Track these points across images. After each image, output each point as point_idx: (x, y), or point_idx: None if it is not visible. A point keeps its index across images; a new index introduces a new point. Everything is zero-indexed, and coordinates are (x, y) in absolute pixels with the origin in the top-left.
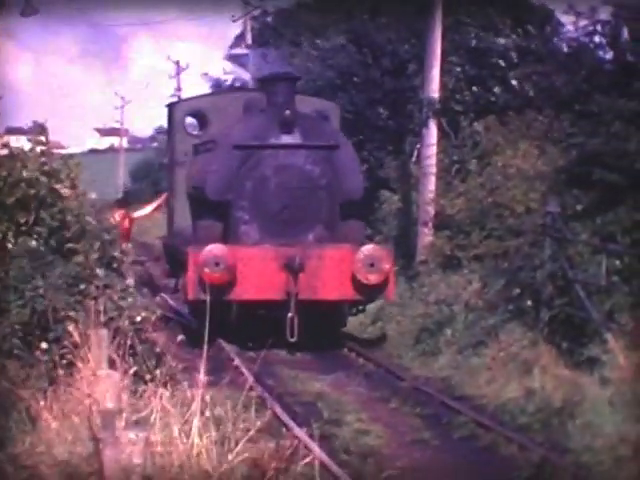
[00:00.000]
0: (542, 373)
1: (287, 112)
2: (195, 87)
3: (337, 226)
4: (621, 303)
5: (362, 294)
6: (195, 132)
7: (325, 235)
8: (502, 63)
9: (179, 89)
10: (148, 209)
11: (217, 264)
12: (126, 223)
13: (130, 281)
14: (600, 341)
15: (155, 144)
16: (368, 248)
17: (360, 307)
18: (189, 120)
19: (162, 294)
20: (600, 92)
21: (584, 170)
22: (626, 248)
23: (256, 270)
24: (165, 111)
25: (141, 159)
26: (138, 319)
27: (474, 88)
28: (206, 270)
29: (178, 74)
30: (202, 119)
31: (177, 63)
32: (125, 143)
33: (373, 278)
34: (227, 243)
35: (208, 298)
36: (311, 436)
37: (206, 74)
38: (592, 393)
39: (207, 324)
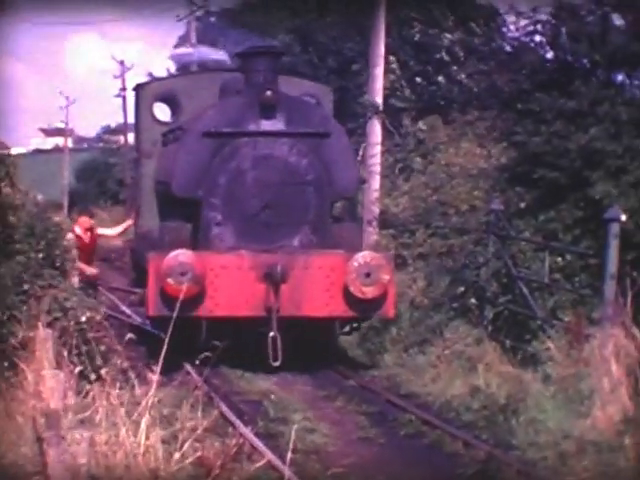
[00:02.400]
0: (486, 370)
1: (268, 93)
2: None
3: (328, 229)
4: (563, 300)
5: (356, 310)
6: (165, 119)
7: (313, 239)
8: (447, 58)
9: (124, 89)
10: (118, 229)
11: (183, 274)
12: (88, 237)
13: (75, 280)
14: (543, 338)
15: (101, 144)
16: (364, 255)
17: (354, 324)
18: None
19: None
20: (541, 91)
21: (526, 168)
22: (568, 246)
23: (230, 281)
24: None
25: (87, 159)
26: (83, 319)
27: (418, 79)
28: (169, 281)
29: (123, 74)
30: (174, 103)
31: (122, 63)
32: (70, 143)
33: (369, 291)
34: (197, 248)
35: (170, 314)
36: (257, 434)
37: (150, 74)
38: (535, 390)
39: (166, 341)
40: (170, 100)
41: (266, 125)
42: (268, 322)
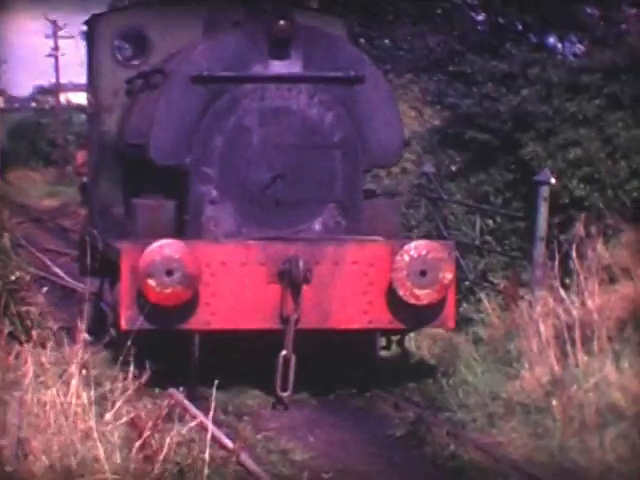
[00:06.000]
0: (417, 332)
1: (281, 22)
2: (73, 48)
3: (360, 208)
4: (494, 263)
5: (404, 320)
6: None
7: (341, 222)
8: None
9: (56, 48)
10: None
11: (170, 272)
12: None
13: (4, 240)
14: (474, 300)
15: (33, 104)
16: (417, 245)
17: (397, 336)
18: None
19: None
20: (473, 53)
21: (458, 131)
22: (498, 208)
23: (232, 282)
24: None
25: (19, 119)
26: (12, 278)
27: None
28: (151, 282)
29: (55, 33)
30: (141, 41)
31: (54, 22)
32: (2, 103)
33: (425, 295)
34: (183, 235)
35: (152, 327)
36: (188, 397)
37: (85, 32)
38: (466, 352)
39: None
40: (136, 36)
41: (277, 67)
42: (283, 336)
